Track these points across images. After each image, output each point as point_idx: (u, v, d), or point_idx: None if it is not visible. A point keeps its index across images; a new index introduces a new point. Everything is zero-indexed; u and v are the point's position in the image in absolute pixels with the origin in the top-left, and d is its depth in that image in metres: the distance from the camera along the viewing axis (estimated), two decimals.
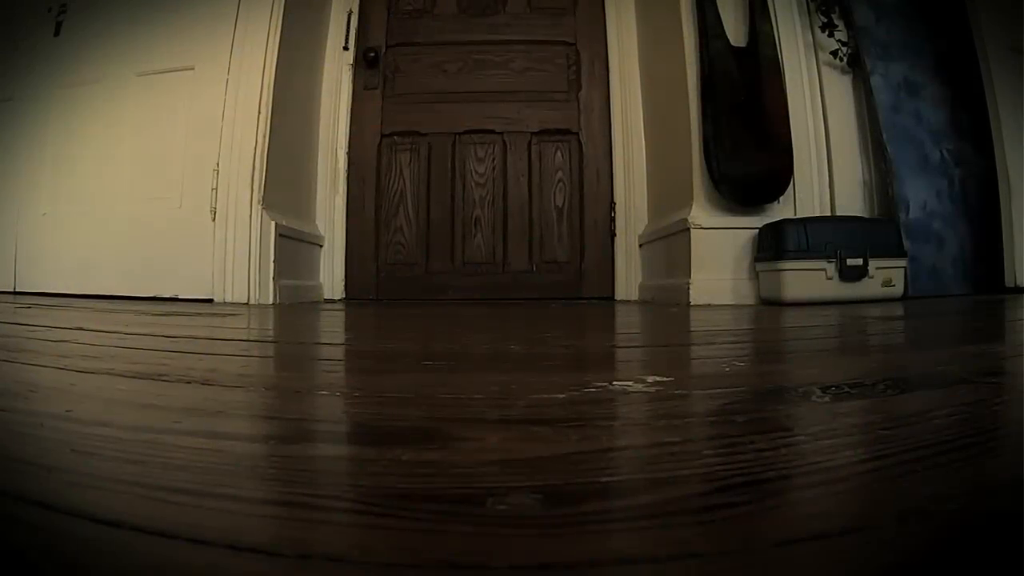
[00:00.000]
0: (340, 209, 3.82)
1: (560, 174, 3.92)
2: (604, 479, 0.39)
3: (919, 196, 2.96)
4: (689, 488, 0.37)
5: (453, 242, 3.88)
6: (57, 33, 3.52)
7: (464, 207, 3.90)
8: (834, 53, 3.07)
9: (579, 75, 3.93)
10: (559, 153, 3.93)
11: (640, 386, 0.72)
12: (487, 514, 0.33)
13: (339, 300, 3.66)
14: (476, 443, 0.47)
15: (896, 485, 0.37)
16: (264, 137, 3.04)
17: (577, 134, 3.92)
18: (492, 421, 0.55)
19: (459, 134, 3.94)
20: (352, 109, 3.92)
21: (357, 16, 3.90)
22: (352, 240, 3.87)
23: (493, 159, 3.94)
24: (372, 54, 3.88)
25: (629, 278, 3.74)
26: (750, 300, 2.85)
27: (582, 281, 3.82)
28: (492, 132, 3.94)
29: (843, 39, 3.07)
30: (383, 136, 3.94)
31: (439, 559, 0.27)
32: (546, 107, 3.94)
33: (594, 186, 3.85)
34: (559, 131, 3.94)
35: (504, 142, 3.93)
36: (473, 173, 3.93)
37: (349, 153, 3.89)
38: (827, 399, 0.63)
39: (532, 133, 3.93)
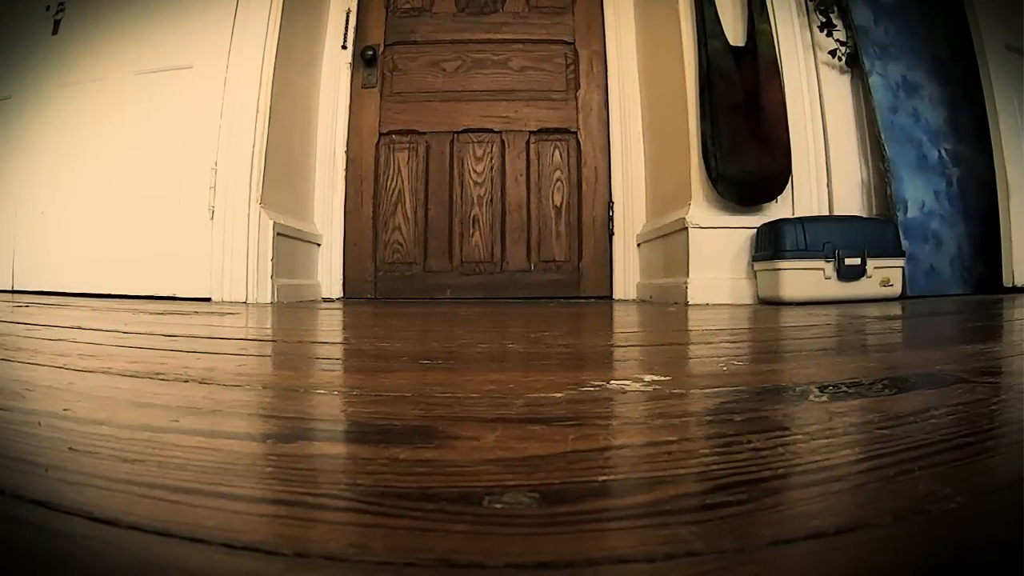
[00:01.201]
0: (338, 208, 3.81)
1: (558, 173, 3.90)
2: (601, 478, 0.39)
3: (917, 196, 2.96)
4: (686, 487, 0.37)
5: (451, 241, 3.88)
6: (55, 32, 3.52)
7: (462, 206, 3.90)
8: (832, 53, 3.07)
9: (577, 74, 3.93)
10: (557, 152, 3.91)
11: (637, 385, 0.72)
12: (484, 513, 0.33)
13: (337, 299, 3.66)
14: (473, 442, 0.47)
15: (893, 484, 0.37)
16: (262, 136, 3.04)
17: (576, 133, 3.91)
18: (489, 420, 0.55)
19: (457, 133, 3.93)
20: (350, 107, 3.92)
21: (355, 15, 3.89)
22: (350, 239, 3.85)
23: (491, 158, 3.93)
24: (370, 52, 3.89)
25: (627, 277, 3.74)
26: (748, 299, 2.85)
27: (580, 280, 3.81)
28: (491, 131, 3.94)
29: (842, 39, 3.08)
30: (381, 135, 3.92)
31: (436, 558, 0.27)
32: (545, 106, 3.93)
33: (592, 185, 3.85)
34: (557, 130, 3.92)
35: (503, 141, 3.92)
36: (471, 172, 3.92)
37: (347, 152, 3.89)
38: (824, 398, 0.63)
39: (531, 132, 3.92)
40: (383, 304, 3.21)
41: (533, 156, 3.92)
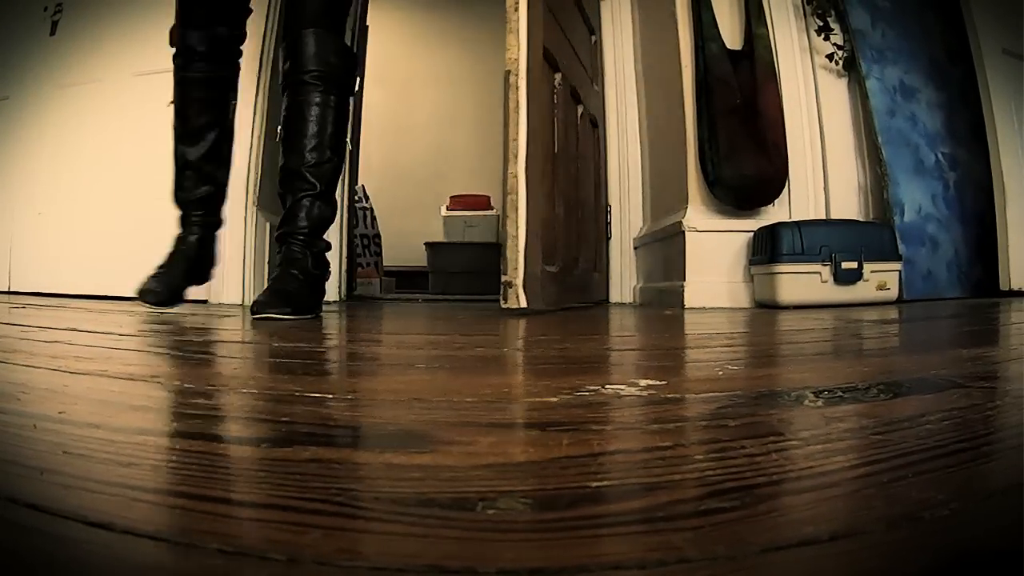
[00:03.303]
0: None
1: (591, 166, 3.44)
2: (595, 484, 0.39)
3: (914, 199, 2.97)
4: (680, 493, 0.37)
5: (573, 228, 2.98)
6: (53, 33, 3.51)
7: (566, 182, 2.89)
8: (830, 56, 3.08)
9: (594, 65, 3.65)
10: (590, 143, 3.44)
11: (633, 390, 0.72)
12: (477, 519, 0.33)
13: (334, 302, 3.64)
14: (467, 447, 0.47)
15: (887, 490, 0.37)
16: (259, 138, 3.04)
17: (597, 127, 3.63)
18: (484, 425, 0.55)
19: (572, 85, 3.00)
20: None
21: None
22: (535, 207, 2.33)
23: (575, 130, 3.12)
24: None
25: (623, 281, 3.73)
26: (745, 303, 2.85)
27: (596, 283, 3.67)
28: (578, 98, 3.16)
29: (839, 43, 3.08)
30: (545, 50, 2.56)
31: (428, 563, 0.27)
32: (588, 90, 3.39)
33: (601, 185, 3.77)
34: (592, 119, 3.45)
35: (581, 114, 3.22)
36: (574, 142, 3.06)
37: (529, 60, 2.31)
38: (820, 403, 0.63)
39: (590, 115, 3.38)
40: (370, 306, 3.17)
41: (589, 142, 3.39)
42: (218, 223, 2.50)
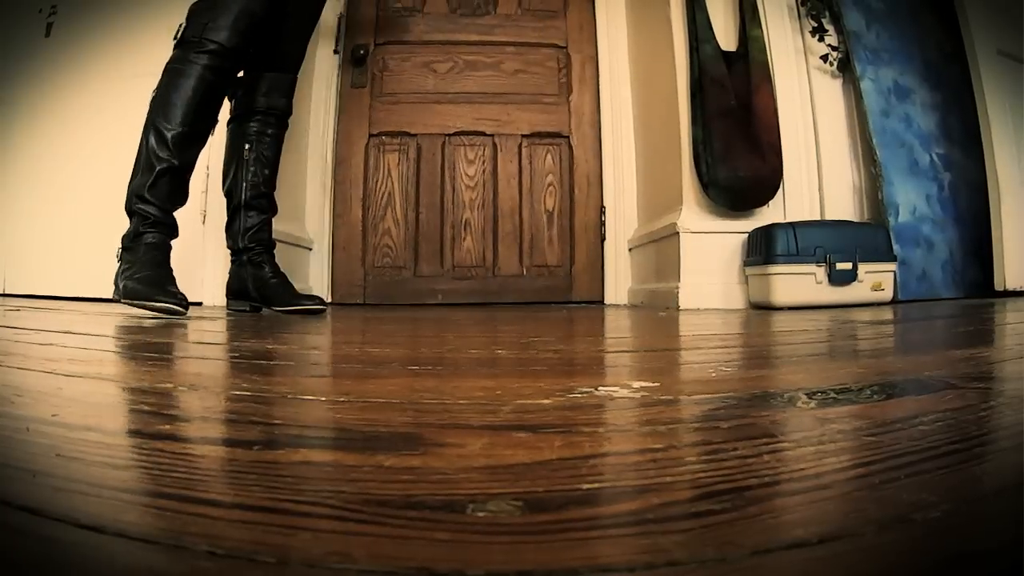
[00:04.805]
0: (329, 212, 3.80)
1: (551, 177, 3.90)
2: (585, 486, 0.39)
3: (909, 200, 2.98)
4: (670, 495, 0.37)
5: (443, 245, 3.91)
6: (48, 34, 3.51)
7: (454, 210, 3.94)
8: (824, 58, 3.09)
9: (569, 79, 3.93)
10: (549, 156, 3.91)
11: (626, 392, 0.72)
12: (467, 521, 0.33)
13: (328, 304, 3.65)
14: (459, 449, 0.47)
15: (878, 492, 0.37)
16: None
17: (568, 138, 3.91)
18: (476, 427, 0.55)
19: (449, 135, 3.97)
20: (339, 108, 3.94)
21: (346, 17, 3.89)
22: (338, 242, 3.87)
23: (484, 161, 3.97)
24: (361, 51, 3.92)
25: (618, 282, 3.75)
26: (740, 304, 2.86)
27: (572, 285, 3.81)
28: (483, 134, 3.98)
29: (833, 44, 3.09)
30: (371, 136, 3.95)
31: (416, 566, 0.27)
32: (537, 110, 3.92)
33: (584, 190, 3.85)
34: (550, 134, 3.92)
35: (495, 144, 3.96)
36: (463, 175, 3.96)
37: (335, 153, 3.91)
38: (813, 405, 0.63)
39: (523, 136, 3.92)
40: (373, 309, 3.21)
41: (525, 160, 3.92)
42: None
